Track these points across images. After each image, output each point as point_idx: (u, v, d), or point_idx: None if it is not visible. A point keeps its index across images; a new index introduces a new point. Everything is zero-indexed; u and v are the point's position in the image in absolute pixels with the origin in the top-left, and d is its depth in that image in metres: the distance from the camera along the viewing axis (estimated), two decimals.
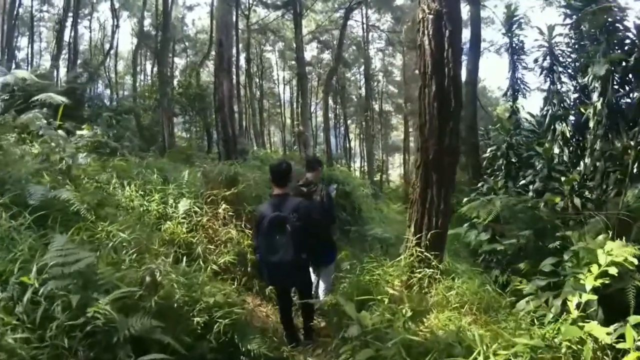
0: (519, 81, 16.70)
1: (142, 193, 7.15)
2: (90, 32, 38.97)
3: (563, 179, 10.36)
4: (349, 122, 47.13)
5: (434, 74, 6.04)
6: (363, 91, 42.75)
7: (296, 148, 29.26)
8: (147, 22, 34.64)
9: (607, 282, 4.53)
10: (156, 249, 5.61)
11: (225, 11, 13.57)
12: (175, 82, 29.14)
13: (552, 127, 12.31)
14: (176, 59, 39.15)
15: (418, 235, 6.09)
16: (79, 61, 28.02)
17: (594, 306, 4.82)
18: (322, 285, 6.12)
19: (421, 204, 6.12)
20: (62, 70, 28.05)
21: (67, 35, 28.77)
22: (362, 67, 40.65)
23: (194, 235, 6.51)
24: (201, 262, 5.96)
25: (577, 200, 9.58)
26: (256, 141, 37.90)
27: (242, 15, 33.59)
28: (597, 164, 10.58)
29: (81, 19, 35.05)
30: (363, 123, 43.60)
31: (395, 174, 53.63)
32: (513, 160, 12.54)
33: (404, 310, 4.34)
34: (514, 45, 17.04)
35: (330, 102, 40.54)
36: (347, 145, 45.98)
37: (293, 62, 39.50)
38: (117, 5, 34.26)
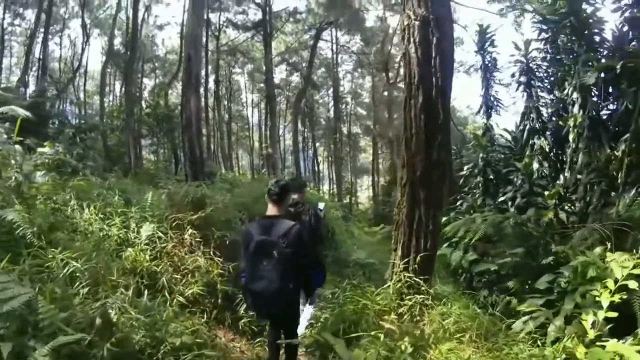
0: (492, 98, 16.55)
1: (102, 216, 6.48)
2: (61, 48, 37.66)
3: (546, 193, 10.14)
4: (317, 144, 46.78)
5: (420, 84, 5.62)
6: (332, 113, 42.65)
7: (264, 171, 28.65)
8: (117, 40, 33.94)
9: (624, 297, 4.13)
10: (115, 280, 4.97)
11: (194, 25, 12.98)
12: (143, 103, 28.45)
13: (531, 141, 12.11)
14: (145, 80, 38.22)
15: (406, 259, 5.58)
16: (48, 78, 27.02)
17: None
18: (307, 312, 5.60)
19: (408, 225, 5.61)
20: (32, 87, 26.99)
21: (37, 51, 27.85)
22: (331, 90, 40.52)
23: (158, 263, 5.86)
24: (166, 294, 5.36)
25: (562, 214, 9.34)
26: (224, 164, 37.09)
27: (212, 36, 33.38)
28: (579, 176, 10.36)
29: (52, 35, 33.94)
30: (332, 145, 43.34)
31: (363, 196, 53.34)
32: (491, 177, 12.26)
33: (402, 346, 3.77)
34: (486, 62, 16.88)
35: (299, 125, 40.16)
36: (316, 168, 45.56)
37: (262, 85, 39.22)
38: (88, 22, 33.34)
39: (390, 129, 33.48)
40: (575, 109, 10.73)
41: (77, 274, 4.58)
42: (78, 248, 5.06)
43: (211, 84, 36.69)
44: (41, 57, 27.54)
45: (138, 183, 10.06)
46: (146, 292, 4.94)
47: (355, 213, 36.65)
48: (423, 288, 5.37)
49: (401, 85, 38.09)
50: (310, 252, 4.84)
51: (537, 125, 12.14)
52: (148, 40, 37.85)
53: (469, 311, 5.18)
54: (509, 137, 14.04)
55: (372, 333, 4.05)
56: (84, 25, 32.11)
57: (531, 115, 12.23)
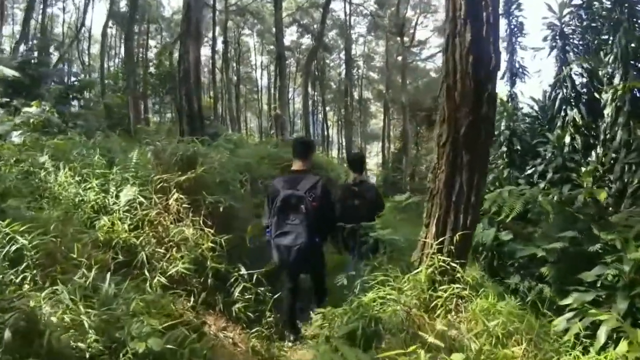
0: (517, 65, 15.35)
1: (79, 179, 5.43)
2: (64, 12, 36.37)
3: (583, 169, 8.98)
4: (327, 109, 45.39)
5: (468, 18, 4.31)
6: (343, 77, 41.20)
7: (273, 132, 27.44)
8: (123, 2, 32.39)
9: None
10: (77, 258, 3.89)
11: None
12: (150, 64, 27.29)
13: (564, 112, 10.79)
14: (151, 42, 36.91)
15: (440, 239, 4.40)
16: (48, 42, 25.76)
17: None
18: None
19: (446, 195, 4.40)
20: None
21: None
22: (343, 53, 39.06)
23: (138, 234, 4.79)
24: (146, 272, 4.38)
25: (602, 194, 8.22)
26: (232, 127, 35.97)
27: None
28: (614, 155, 9.18)
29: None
30: (342, 110, 42.04)
31: (372, 162, 52.17)
32: (517, 147, 11.01)
33: None
34: (512, 26, 15.68)
35: (309, 88, 38.76)
36: (325, 132, 44.32)
37: (271, 47, 37.88)
38: None
39: (404, 94, 32.00)
40: (616, 80, 9.43)
41: (26, 253, 3.50)
42: (36, 218, 4.09)
43: (219, 46, 35.51)
44: (40, 18, 26.34)
45: (128, 142, 8.94)
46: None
47: None
48: (459, 275, 4.23)
49: (414, 49, 36.94)
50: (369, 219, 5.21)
51: (571, 95, 10.79)
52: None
53: (511, 306, 4.01)
54: (536, 107, 12.65)
55: (410, 349, 2.88)
56: None
57: (565, 83, 10.85)
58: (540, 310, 4.42)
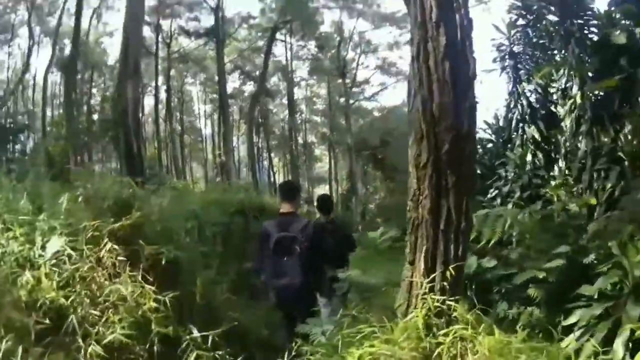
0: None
1: (1, 227, 4.38)
2: (9, 58, 34.44)
3: (553, 183, 8.78)
4: (272, 155, 44.84)
5: (441, 21, 3.77)
6: (286, 122, 40.98)
7: (219, 180, 26.50)
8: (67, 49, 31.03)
9: None
10: None
11: (134, 6, 10.84)
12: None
13: (521, 130, 10.60)
14: (94, 90, 35.44)
15: (431, 275, 3.70)
16: None
17: None
18: (325, 312, 4.94)
19: (432, 224, 3.73)
20: None
21: None
22: (285, 98, 38.92)
23: (67, 293, 3.83)
24: (79, 340, 3.53)
25: (572, 205, 7.96)
26: (177, 177, 34.77)
27: (164, 43, 31.58)
28: (580, 164, 9.00)
29: (1, 45, 30.98)
30: (287, 155, 41.61)
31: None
32: (478, 172, 10.69)
33: None
34: None
35: (253, 134, 38.28)
36: (272, 178, 43.53)
37: (214, 95, 37.31)
38: (37, 28, 30.56)
39: (348, 135, 31.90)
40: (574, 90, 9.31)
41: None
42: None
43: (162, 95, 34.75)
44: None
45: (64, 187, 7.87)
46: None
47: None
48: (455, 314, 3.54)
49: (356, 89, 37.25)
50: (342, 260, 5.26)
51: (526, 112, 10.64)
52: (98, 46, 35.20)
53: (521, 339, 3.35)
54: (490, 130, 12.49)
55: None
56: (30, 28, 29.35)
57: (520, 101, 10.71)
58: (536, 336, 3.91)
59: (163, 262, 4.06)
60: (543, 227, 5.86)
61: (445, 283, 3.67)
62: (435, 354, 3.26)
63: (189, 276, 4.44)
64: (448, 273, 3.62)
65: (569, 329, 4.15)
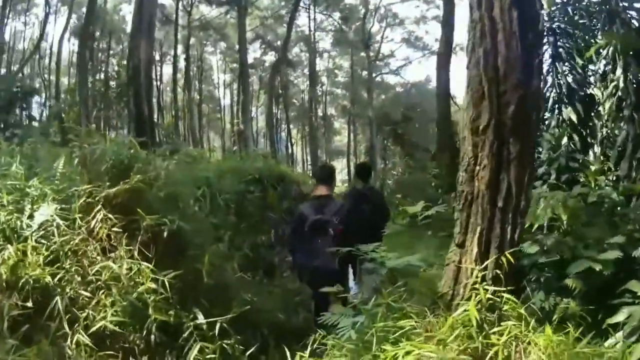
0: None
1: None
2: (25, 27, 34.00)
3: (593, 168, 7.98)
4: (291, 126, 44.10)
5: None
6: (306, 94, 40.10)
7: (236, 149, 25.89)
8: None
9: None
10: None
11: None
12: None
13: (557, 111, 9.75)
14: (113, 60, 34.80)
15: (484, 261, 3.06)
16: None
17: None
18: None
19: (490, 200, 3.07)
20: None
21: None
22: (306, 69, 37.99)
23: (55, 270, 3.31)
24: (65, 326, 3.07)
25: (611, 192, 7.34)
26: (194, 147, 34.21)
27: (184, 11, 30.73)
28: (619, 150, 8.25)
29: (18, 14, 30.49)
30: (306, 127, 40.83)
31: (337, 179, 50.99)
32: None
33: None
34: None
35: (273, 105, 37.52)
36: (290, 150, 42.89)
37: (234, 64, 36.47)
38: None
39: (370, 109, 31.01)
40: (618, 72, 8.46)
41: None
42: None
43: (182, 64, 34.11)
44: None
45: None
46: None
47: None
48: (506, 308, 2.93)
49: (379, 63, 36.16)
50: (378, 232, 5.02)
51: (564, 93, 9.77)
52: (116, 13, 34.47)
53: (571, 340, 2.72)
54: None
55: None
56: None
57: (559, 81, 9.81)
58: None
59: (165, 235, 3.44)
60: (592, 214, 5.16)
61: (498, 271, 3.04)
62: (488, 357, 2.66)
63: (195, 251, 3.83)
64: (503, 260, 3.00)
65: (608, 326, 3.58)
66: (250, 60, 33.92)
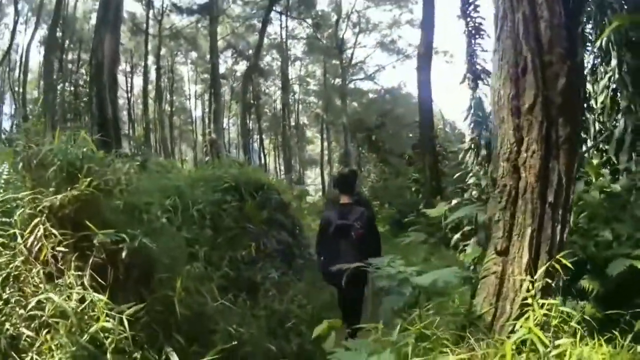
0: (479, 67, 14.11)
1: None
2: None
3: (594, 162, 7.70)
4: (263, 136, 43.19)
5: None
6: (278, 104, 39.38)
7: (208, 159, 24.94)
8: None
9: None
10: None
11: None
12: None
13: None
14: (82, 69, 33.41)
15: (536, 269, 2.42)
16: None
17: None
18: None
19: (540, 194, 2.43)
20: None
21: None
22: (278, 79, 37.31)
23: None
24: None
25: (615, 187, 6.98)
26: (166, 159, 33.10)
27: (155, 20, 30.64)
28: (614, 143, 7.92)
29: None
30: (279, 136, 40.04)
31: (310, 189, 50.30)
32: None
33: None
34: (470, 28, 14.33)
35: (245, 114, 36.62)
36: (263, 160, 41.94)
37: (206, 75, 35.47)
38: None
39: (344, 115, 30.45)
40: (613, 63, 8.09)
41: None
42: None
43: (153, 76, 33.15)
44: None
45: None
46: None
47: (303, 206, 33.14)
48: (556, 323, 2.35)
49: (352, 70, 35.61)
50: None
51: None
52: (86, 21, 33.12)
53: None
54: None
55: None
56: (15, 2, 27.27)
57: None
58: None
59: (124, 255, 2.68)
60: (612, 208, 4.72)
61: (549, 280, 2.41)
62: None
63: (165, 274, 3.07)
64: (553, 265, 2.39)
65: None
66: (221, 70, 33.09)
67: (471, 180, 9.41)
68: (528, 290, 2.38)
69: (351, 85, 35.78)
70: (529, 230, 2.43)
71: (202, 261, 4.24)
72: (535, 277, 2.38)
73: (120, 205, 3.00)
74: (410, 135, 29.27)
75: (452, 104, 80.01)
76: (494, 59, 2.74)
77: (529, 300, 2.33)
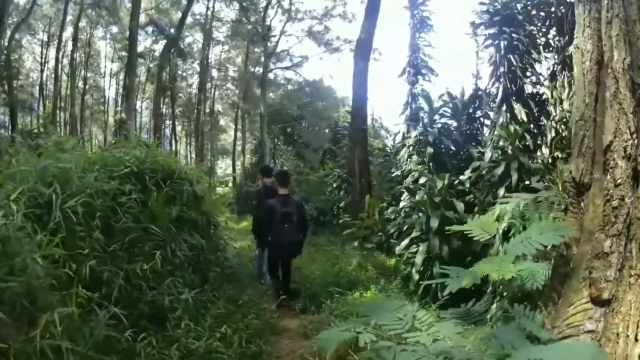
0: (420, 61, 14.08)
1: None
2: None
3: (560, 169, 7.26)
4: (176, 122, 40.57)
5: None
6: (194, 89, 37.05)
7: (115, 141, 22.59)
8: None
9: None
10: None
11: None
12: None
13: (506, 107, 8.59)
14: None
15: None
16: None
17: None
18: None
19: None
20: None
21: None
22: (197, 62, 35.03)
23: None
24: None
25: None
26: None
27: None
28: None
29: None
30: (192, 123, 37.74)
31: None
32: (452, 149, 8.66)
33: None
34: (415, 21, 14.65)
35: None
36: (175, 147, 39.36)
37: (124, 53, 32.36)
38: None
39: (262, 104, 28.98)
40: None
41: None
42: None
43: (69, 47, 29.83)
44: None
45: None
46: None
47: (214, 197, 31.12)
48: None
49: (275, 59, 34.08)
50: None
51: (512, 89, 8.63)
52: None
53: None
54: (458, 103, 10.35)
55: None
56: None
57: (509, 75, 8.58)
58: None
59: None
60: None
61: None
62: None
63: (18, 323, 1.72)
64: None
65: None
66: (140, 49, 30.33)
67: (422, 180, 8.53)
68: None
69: (271, 75, 34.26)
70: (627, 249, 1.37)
71: (84, 282, 2.86)
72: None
73: None
74: (327, 130, 28.55)
75: (378, 100, 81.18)
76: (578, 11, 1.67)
77: None
